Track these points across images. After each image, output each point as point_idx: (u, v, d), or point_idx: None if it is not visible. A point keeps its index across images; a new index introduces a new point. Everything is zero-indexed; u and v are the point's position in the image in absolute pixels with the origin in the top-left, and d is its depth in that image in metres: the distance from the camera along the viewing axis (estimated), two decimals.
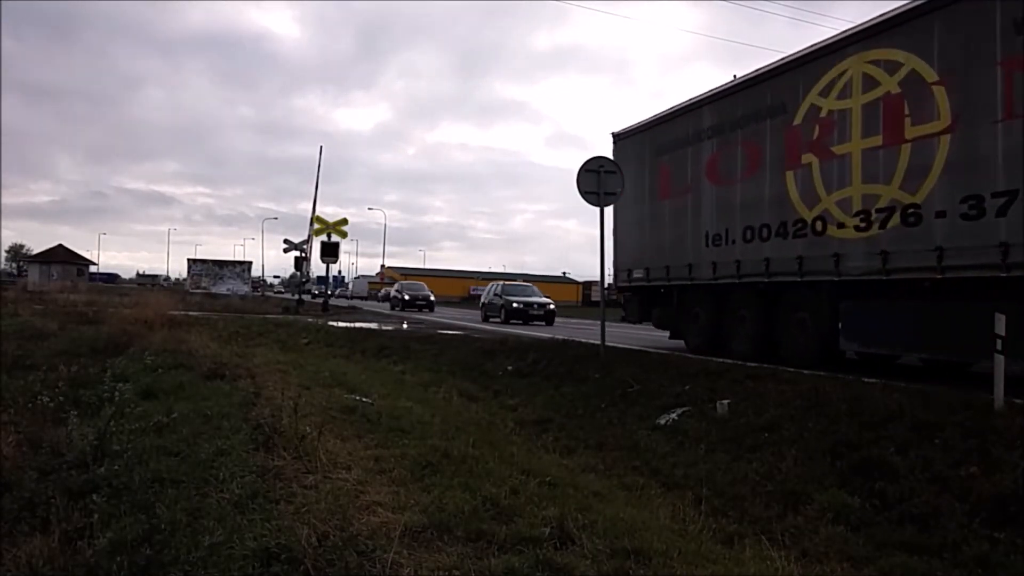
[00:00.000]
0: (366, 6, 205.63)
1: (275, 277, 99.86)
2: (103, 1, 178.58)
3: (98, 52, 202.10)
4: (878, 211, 8.93)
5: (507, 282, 31.88)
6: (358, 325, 20.17)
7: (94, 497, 4.16)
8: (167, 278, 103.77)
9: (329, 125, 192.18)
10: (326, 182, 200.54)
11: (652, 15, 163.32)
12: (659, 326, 14.33)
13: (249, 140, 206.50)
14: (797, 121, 10.23)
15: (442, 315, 32.82)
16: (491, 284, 30.55)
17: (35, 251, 73.55)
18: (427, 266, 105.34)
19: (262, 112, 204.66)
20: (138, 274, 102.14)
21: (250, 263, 59.47)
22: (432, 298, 36.92)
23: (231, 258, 68.46)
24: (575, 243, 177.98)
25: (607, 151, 14.39)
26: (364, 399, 7.24)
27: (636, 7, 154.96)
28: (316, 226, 32.86)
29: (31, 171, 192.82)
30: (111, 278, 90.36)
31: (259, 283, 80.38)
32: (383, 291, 75.83)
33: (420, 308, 35.43)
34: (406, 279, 52.91)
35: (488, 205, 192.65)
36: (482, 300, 29.88)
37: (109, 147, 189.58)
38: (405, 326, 20.68)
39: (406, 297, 36.51)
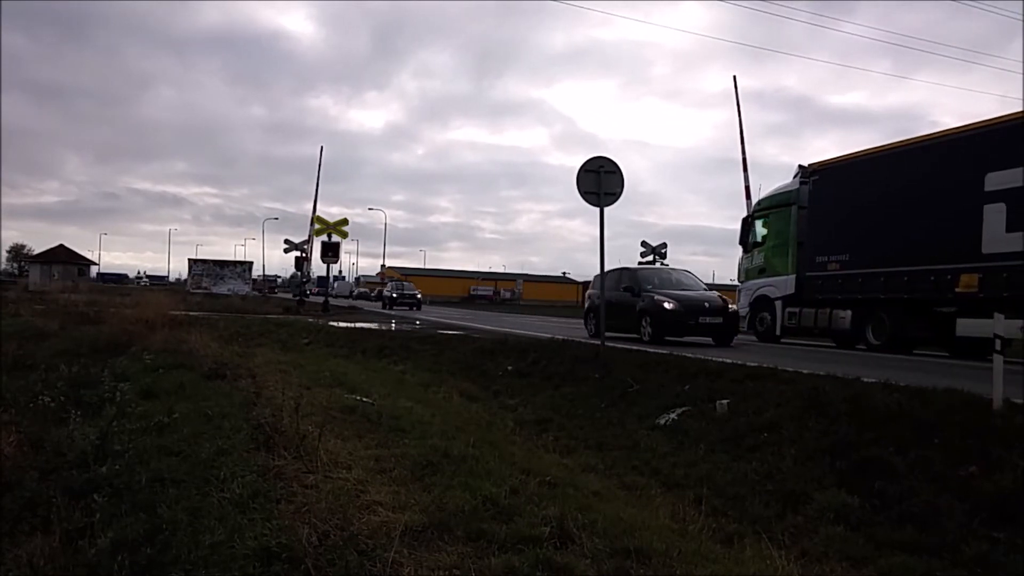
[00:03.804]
0: (383, 5, 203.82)
1: (276, 277, 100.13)
2: (120, 1, 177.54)
3: (111, 51, 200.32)
4: None
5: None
6: (359, 325, 20.19)
7: (95, 497, 4.18)
8: (142, 276, 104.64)
9: (340, 125, 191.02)
10: (334, 182, 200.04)
11: (668, 16, 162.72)
12: None
13: (259, 140, 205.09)
14: None
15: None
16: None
17: (37, 251, 73.64)
18: (428, 266, 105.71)
19: (274, 112, 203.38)
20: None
21: (251, 263, 59.70)
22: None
23: (233, 258, 68.87)
24: (579, 243, 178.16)
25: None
26: (364, 399, 7.25)
27: (652, 7, 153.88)
28: (316, 226, 32.86)
29: (40, 171, 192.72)
30: (120, 278, 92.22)
31: (269, 283, 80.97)
32: (355, 291, 76.96)
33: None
34: (405, 279, 52.42)
35: (495, 205, 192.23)
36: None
37: (118, 147, 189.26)
38: (404, 326, 20.69)
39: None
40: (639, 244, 34.86)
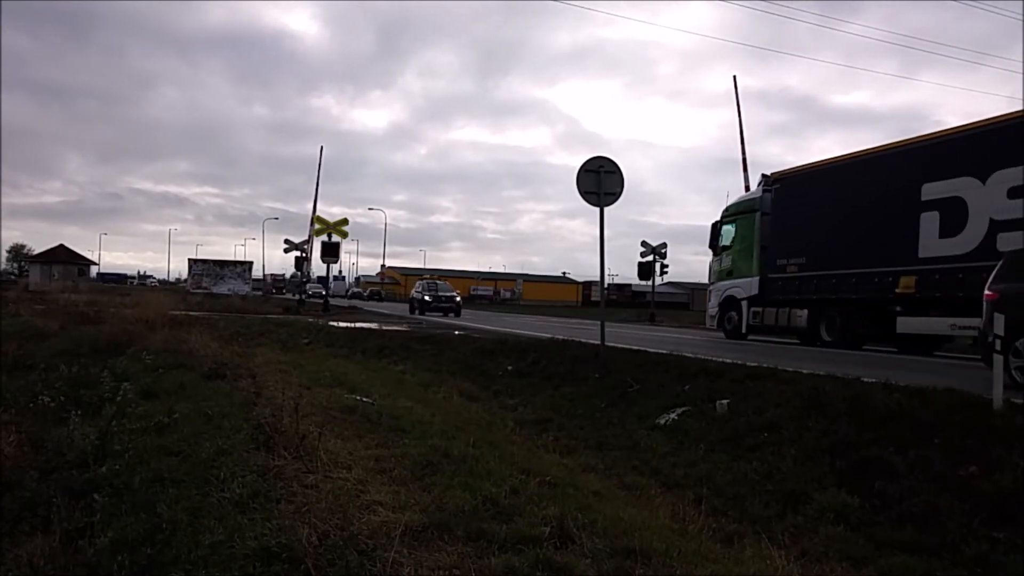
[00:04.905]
0: (387, 5, 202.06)
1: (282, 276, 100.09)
2: (123, 0, 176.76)
3: (114, 51, 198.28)
4: None
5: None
6: (359, 325, 20.18)
7: (95, 496, 4.17)
8: (143, 276, 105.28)
9: (343, 125, 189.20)
10: (335, 182, 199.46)
11: (673, 17, 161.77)
12: None
13: (262, 140, 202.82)
14: None
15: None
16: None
17: (38, 251, 73.53)
18: (429, 266, 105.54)
19: (277, 111, 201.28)
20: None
21: (251, 263, 59.58)
22: None
23: (233, 258, 68.87)
24: (580, 243, 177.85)
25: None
26: (364, 399, 7.25)
27: (657, 7, 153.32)
28: (316, 226, 32.84)
29: (43, 171, 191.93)
30: (120, 278, 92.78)
31: (276, 281, 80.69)
32: (350, 291, 77.43)
33: None
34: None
35: (497, 205, 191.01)
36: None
37: (120, 147, 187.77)
38: (404, 326, 20.68)
39: None
40: (639, 244, 34.96)
